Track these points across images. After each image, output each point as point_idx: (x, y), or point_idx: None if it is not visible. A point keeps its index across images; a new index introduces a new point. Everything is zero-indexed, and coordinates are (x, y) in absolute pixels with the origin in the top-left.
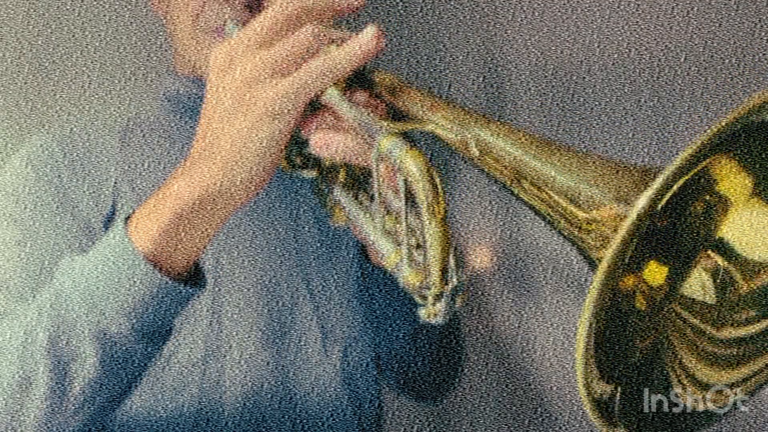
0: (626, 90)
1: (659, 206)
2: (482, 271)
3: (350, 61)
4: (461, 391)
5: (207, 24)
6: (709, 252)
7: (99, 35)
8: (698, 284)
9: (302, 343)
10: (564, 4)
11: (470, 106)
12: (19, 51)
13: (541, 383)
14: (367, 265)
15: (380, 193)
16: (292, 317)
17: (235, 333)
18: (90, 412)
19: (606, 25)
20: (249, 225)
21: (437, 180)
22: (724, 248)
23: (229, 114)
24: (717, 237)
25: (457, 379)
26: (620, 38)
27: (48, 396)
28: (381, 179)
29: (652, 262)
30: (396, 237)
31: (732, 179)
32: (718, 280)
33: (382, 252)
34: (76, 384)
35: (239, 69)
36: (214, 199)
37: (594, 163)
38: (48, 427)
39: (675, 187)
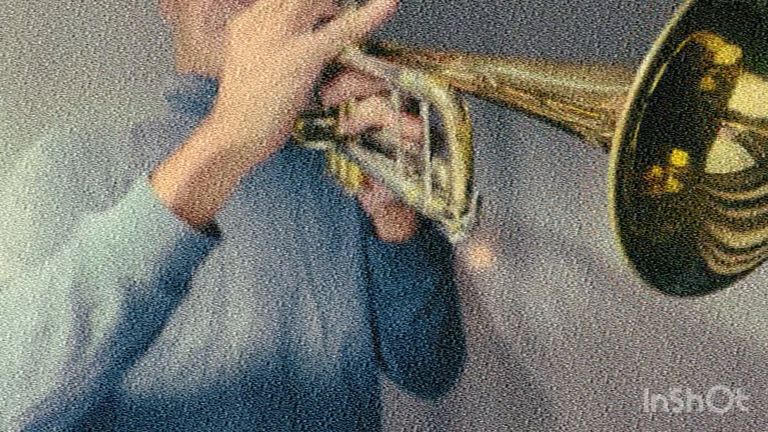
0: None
1: (659, 76)
2: (482, 269)
3: (367, 20)
4: (461, 391)
5: (217, 22)
6: (728, 123)
7: (101, 36)
8: (731, 155)
9: (303, 339)
10: (564, 4)
11: (469, 107)
12: (19, 52)
13: (541, 383)
14: (373, 244)
15: (400, 136)
16: (294, 313)
17: (237, 327)
18: (109, 364)
19: (606, 24)
20: (252, 222)
21: (463, 101)
22: (739, 116)
23: (251, 73)
24: (730, 108)
25: (458, 374)
26: (620, 38)
27: (69, 341)
28: (401, 120)
29: (676, 149)
30: (415, 177)
31: (724, 53)
32: (748, 143)
33: (404, 191)
34: (98, 330)
35: (260, 31)
36: (233, 154)
37: (601, 67)
38: (68, 375)
39: (668, 62)
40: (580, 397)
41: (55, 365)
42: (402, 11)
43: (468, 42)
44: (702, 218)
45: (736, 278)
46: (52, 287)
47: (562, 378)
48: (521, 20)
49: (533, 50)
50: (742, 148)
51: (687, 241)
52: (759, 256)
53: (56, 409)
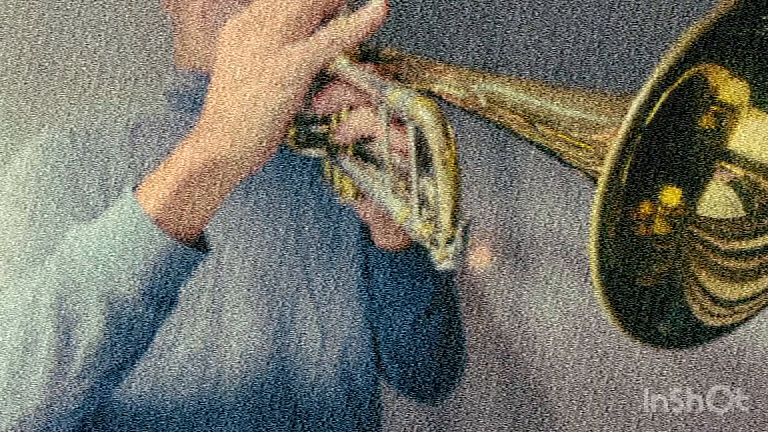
0: (626, 90)
1: (656, 109)
2: (482, 269)
3: (358, 29)
4: (461, 391)
5: (216, 20)
6: (725, 165)
7: (99, 34)
8: (723, 200)
9: (301, 342)
10: (564, 4)
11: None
12: (18, 51)
13: (541, 383)
14: (372, 249)
15: (389, 152)
16: (292, 316)
17: (235, 329)
18: (93, 380)
19: (606, 25)
20: (251, 223)
21: (449, 126)
22: (738, 158)
23: (240, 82)
24: (729, 149)
25: (458, 378)
26: (620, 38)
27: (52, 357)
28: (390, 137)
29: (667, 186)
30: (405, 195)
31: (729, 90)
32: (742, 191)
33: (392, 210)
34: (81, 346)
35: (250, 39)
36: (221, 165)
37: (598, 95)
38: (51, 391)
39: (667, 94)
40: (580, 397)
41: (38, 381)
42: (400, 16)
43: (466, 49)
44: (691, 264)
45: (724, 331)
46: (35, 300)
47: (562, 378)
48: (523, 33)
49: (537, 67)
50: (739, 195)
51: (673, 286)
52: (749, 309)
53: (42, 424)
